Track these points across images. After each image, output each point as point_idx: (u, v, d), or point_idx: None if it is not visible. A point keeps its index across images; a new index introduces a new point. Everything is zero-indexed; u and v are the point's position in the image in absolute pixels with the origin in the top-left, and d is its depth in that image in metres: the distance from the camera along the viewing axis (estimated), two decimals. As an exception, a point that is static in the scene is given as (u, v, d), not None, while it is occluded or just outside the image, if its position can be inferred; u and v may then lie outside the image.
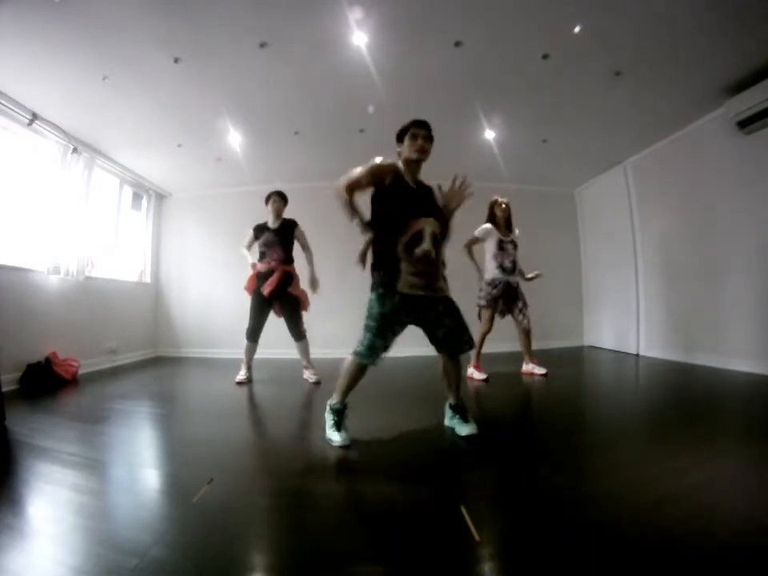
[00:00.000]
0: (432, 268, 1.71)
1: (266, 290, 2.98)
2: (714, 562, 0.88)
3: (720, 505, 1.12)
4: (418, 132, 1.75)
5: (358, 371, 1.72)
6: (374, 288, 1.72)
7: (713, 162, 3.30)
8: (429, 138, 1.78)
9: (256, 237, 3.16)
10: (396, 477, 1.40)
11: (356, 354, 1.70)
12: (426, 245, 1.65)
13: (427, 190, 1.82)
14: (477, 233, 3.18)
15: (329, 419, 1.75)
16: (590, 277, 5.10)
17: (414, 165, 1.78)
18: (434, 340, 1.80)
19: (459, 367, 1.86)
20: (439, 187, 1.84)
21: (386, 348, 1.70)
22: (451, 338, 1.77)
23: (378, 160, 1.71)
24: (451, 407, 1.88)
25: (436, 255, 1.70)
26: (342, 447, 1.64)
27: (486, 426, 1.88)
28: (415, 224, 1.67)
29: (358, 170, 1.68)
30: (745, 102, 2.81)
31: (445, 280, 1.81)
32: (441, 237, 1.76)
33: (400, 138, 1.81)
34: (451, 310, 1.77)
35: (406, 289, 1.67)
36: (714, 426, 1.82)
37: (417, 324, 1.77)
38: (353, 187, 1.68)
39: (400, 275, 1.66)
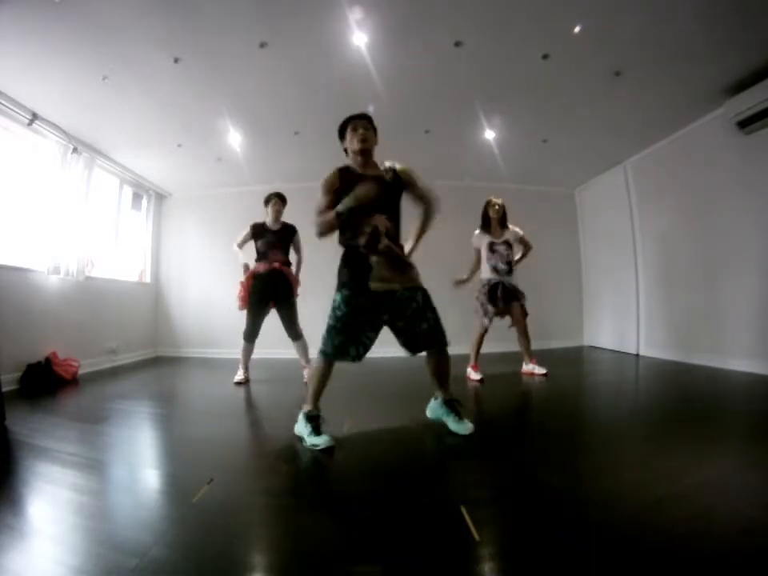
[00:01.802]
0: (397, 259, 1.73)
1: (262, 269, 3.02)
2: (714, 562, 0.88)
3: (720, 505, 1.11)
4: (358, 123, 1.79)
5: (326, 372, 1.74)
6: (341, 287, 1.74)
7: (713, 162, 3.29)
8: (370, 128, 1.80)
9: (254, 236, 3.14)
10: (396, 476, 1.40)
11: (324, 354, 1.71)
12: (385, 240, 1.68)
13: (377, 181, 1.74)
14: (472, 241, 3.25)
15: (305, 428, 1.69)
16: (590, 277, 5.10)
17: (361, 157, 1.78)
18: (415, 337, 1.77)
19: (448, 361, 1.84)
20: (391, 169, 1.82)
21: (357, 346, 1.71)
22: (434, 331, 1.77)
23: (322, 180, 1.77)
24: (445, 402, 1.84)
25: (397, 249, 1.73)
26: (328, 449, 1.61)
27: (487, 426, 1.88)
28: (369, 222, 1.68)
29: (318, 201, 1.75)
30: (745, 102, 2.81)
31: (414, 268, 1.83)
32: (393, 231, 1.76)
33: (342, 135, 1.84)
34: (429, 302, 1.78)
35: (378, 285, 1.68)
36: (714, 426, 1.82)
37: (394, 322, 1.76)
38: (323, 213, 1.72)
39: (372, 270, 1.69)
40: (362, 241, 1.69)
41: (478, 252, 3.23)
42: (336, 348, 1.70)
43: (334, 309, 1.73)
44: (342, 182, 1.74)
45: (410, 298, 1.74)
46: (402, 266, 1.75)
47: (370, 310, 1.70)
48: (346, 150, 1.86)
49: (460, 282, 3.21)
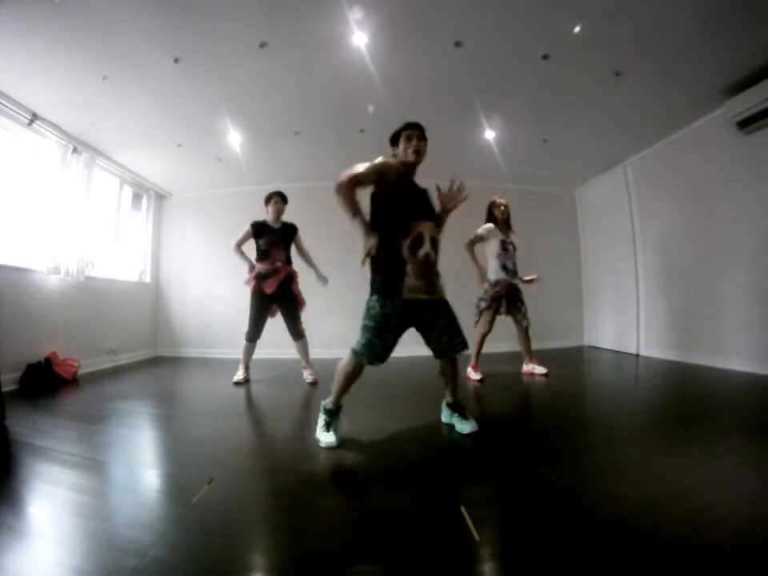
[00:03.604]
0: (432, 270, 1.74)
1: (270, 287, 2.99)
2: (714, 562, 0.88)
3: (720, 505, 1.12)
4: (412, 133, 1.77)
5: (355, 371, 1.73)
6: (376, 290, 1.71)
7: (713, 162, 3.29)
8: (423, 139, 1.79)
9: (255, 235, 3.11)
10: (396, 477, 1.40)
11: (355, 353, 1.71)
12: (426, 247, 1.69)
13: (423, 192, 1.84)
14: (480, 231, 3.14)
15: (321, 420, 1.75)
16: (590, 277, 5.10)
17: (410, 167, 1.79)
18: (429, 341, 1.80)
19: (456, 367, 1.89)
20: (438, 188, 1.85)
21: (386, 349, 1.71)
22: (444, 338, 1.77)
23: (381, 159, 1.70)
24: (448, 405, 1.91)
25: (435, 258, 1.75)
26: (329, 448, 1.63)
27: (487, 426, 1.88)
28: (417, 226, 1.69)
29: (362, 166, 1.63)
30: (745, 102, 2.81)
31: (441, 281, 1.82)
32: (437, 240, 1.78)
33: (394, 141, 1.83)
34: (447, 312, 1.80)
35: (410, 294, 1.68)
36: (714, 426, 1.82)
37: (416, 326, 1.78)
38: (356, 182, 1.62)
39: (405, 278, 1.67)
40: (406, 242, 1.66)
41: (482, 244, 3.12)
42: (368, 349, 1.67)
43: (369, 309, 1.70)
44: (396, 180, 1.70)
45: (431, 309, 1.74)
46: (432, 277, 1.74)
47: (399, 315, 1.69)
48: (394, 157, 1.83)
49: (483, 281, 3.12)
